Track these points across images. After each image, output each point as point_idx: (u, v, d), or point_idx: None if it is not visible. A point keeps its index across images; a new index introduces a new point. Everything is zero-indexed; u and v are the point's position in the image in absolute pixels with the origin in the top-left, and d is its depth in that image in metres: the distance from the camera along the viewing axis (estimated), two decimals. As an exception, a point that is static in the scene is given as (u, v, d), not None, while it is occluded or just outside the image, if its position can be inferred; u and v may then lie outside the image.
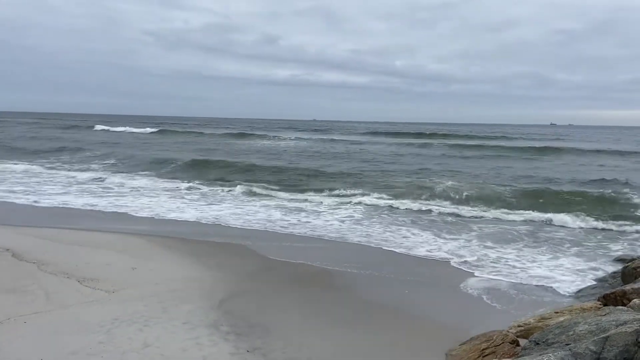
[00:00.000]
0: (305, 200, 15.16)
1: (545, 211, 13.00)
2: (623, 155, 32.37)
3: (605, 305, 5.05)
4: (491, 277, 7.91)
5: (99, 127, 60.57)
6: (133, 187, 17.00)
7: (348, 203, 14.69)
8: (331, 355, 5.04)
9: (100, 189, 16.45)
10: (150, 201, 14.38)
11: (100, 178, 18.96)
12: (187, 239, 9.82)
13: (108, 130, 56.50)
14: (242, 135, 52.21)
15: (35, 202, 13.61)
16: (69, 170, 21.31)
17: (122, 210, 12.88)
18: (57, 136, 44.06)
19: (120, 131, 55.65)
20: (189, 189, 17.06)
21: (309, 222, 12.04)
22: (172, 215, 12.36)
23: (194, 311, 6.00)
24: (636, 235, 11.03)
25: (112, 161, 25.04)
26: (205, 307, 6.15)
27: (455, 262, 8.73)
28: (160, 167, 22.65)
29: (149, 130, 55.47)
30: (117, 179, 18.68)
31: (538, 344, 3.80)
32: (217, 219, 12.12)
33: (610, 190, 15.76)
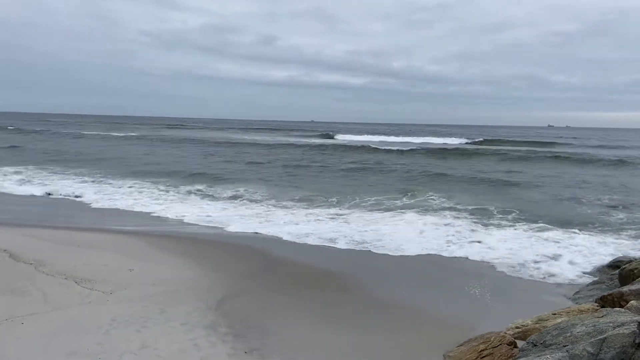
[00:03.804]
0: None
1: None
2: None
3: (602, 307, 5.05)
4: (488, 275, 7.93)
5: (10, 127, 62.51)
6: None
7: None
8: (329, 357, 5.05)
9: None
10: None
11: None
12: (184, 239, 9.81)
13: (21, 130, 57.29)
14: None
15: None
16: None
17: None
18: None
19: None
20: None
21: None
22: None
23: (191, 312, 5.99)
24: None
25: None
26: (202, 308, 6.14)
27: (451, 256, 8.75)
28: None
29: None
30: None
31: (536, 345, 3.81)
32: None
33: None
